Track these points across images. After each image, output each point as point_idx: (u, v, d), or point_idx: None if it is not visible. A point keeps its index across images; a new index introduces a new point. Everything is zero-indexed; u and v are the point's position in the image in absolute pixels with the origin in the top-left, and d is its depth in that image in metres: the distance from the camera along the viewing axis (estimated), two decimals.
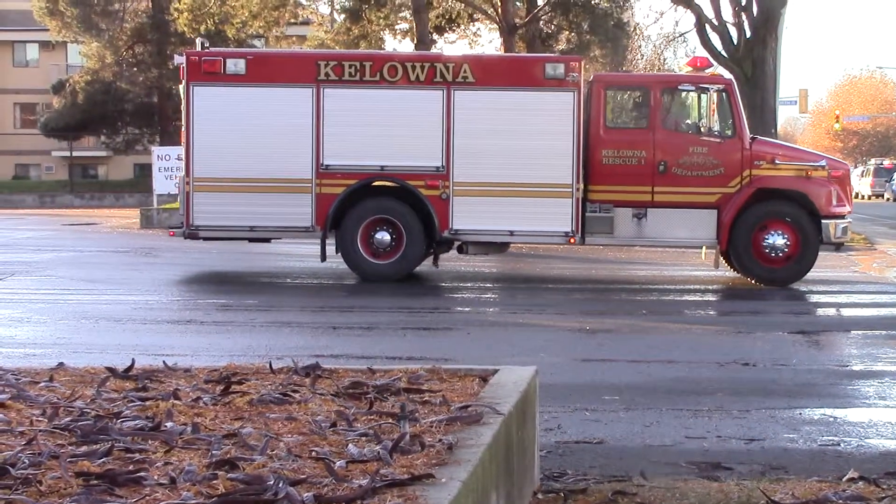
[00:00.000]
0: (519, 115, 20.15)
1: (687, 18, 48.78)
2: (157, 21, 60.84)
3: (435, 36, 45.48)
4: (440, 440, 4.87)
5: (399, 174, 20.34)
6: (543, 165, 20.15)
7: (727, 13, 45.67)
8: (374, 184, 20.53)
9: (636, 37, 53.41)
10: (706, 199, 20.35)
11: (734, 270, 21.64)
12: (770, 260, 20.37)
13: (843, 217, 20.55)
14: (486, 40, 50.47)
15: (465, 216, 20.29)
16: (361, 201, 20.42)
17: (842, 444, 8.55)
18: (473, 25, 48.07)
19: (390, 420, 5.33)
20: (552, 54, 19.11)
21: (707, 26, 45.33)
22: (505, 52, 41.03)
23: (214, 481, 4.21)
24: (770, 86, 40.89)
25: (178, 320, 15.40)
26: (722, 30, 45.28)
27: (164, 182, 35.60)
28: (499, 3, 42.24)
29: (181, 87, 20.91)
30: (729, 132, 20.48)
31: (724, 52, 44.49)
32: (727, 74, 20.93)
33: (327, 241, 20.63)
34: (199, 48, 21.30)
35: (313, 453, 4.66)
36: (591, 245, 21.78)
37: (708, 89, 20.45)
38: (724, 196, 20.29)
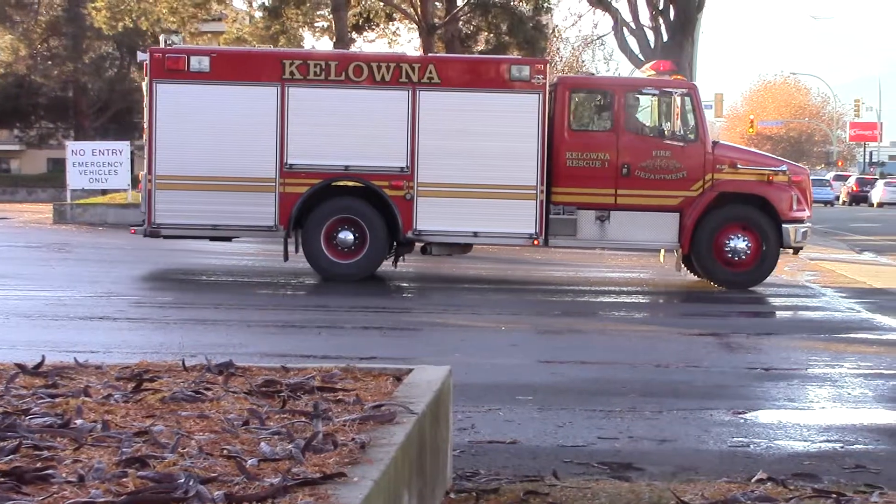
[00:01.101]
0: (484, 117, 20.20)
1: (605, 21, 49.26)
2: (73, 15, 60.26)
3: (354, 34, 45.37)
4: (353, 439, 4.86)
5: (363, 174, 20.30)
6: (508, 167, 20.19)
7: (644, 17, 46.03)
8: (337, 183, 20.43)
9: (555, 39, 53.59)
10: (669, 203, 20.50)
11: (694, 274, 21.83)
12: (731, 263, 20.58)
13: (802, 221, 20.80)
14: (405, 40, 50.45)
15: (430, 217, 20.30)
16: (325, 201, 20.35)
17: (751, 446, 8.64)
18: (392, 25, 48.01)
19: (303, 419, 5.31)
20: (518, 56, 19.10)
21: (625, 29, 45.65)
22: (424, 52, 41.02)
23: (124, 479, 4.17)
24: None
25: (91, 316, 15.23)
26: (639, 33, 45.62)
27: (78, 177, 35.22)
28: (418, 3, 42.23)
29: (144, 85, 20.70)
30: (692, 136, 20.62)
31: (641, 56, 44.83)
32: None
33: (290, 241, 20.52)
34: (162, 45, 21.14)
35: (225, 451, 4.63)
36: (554, 247, 21.89)
37: (671, 93, 20.56)
38: (686, 199, 20.45)
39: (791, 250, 21.19)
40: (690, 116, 20.65)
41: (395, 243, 20.68)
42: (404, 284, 21.20)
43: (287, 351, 12.37)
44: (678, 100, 20.48)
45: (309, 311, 16.75)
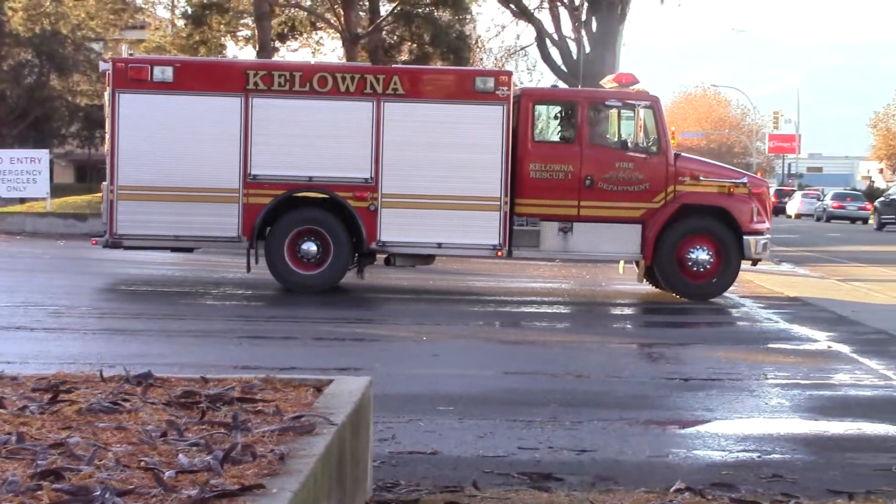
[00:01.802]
0: (448, 128, 20.22)
1: (528, 32, 49.33)
2: None
3: (277, 43, 45.26)
4: (272, 450, 4.84)
5: (327, 185, 20.24)
6: (472, 178, 20.25)
7: (567, 28, 46.38)
8: (301, 194, 20.33)
9: (478, 49, 53.66)
10: (631, 214, 20.60)
11: (654, 286, 21.95)
12: (694, 275, 20.72)
13: (762, 233, 20.99)
14: (328, 49, 50.34)
15: (394, 228, 20.28)
16: (289, 212, 20.27)
17: (670, 456, 8.70)
18: (316, 34, 47.93)
19: (222, 430, 5.28)
20: (482, 68, 19.09)
21: (548, 40, 45.94)
22: (347, 60, 40.98)
23: (38, 492, 4.12)
24: None
25: (7, 326, 15.04)
26: (562, 44, 45.96)
27: None
28: (341, 13, 42.21)
29: (106, 94, 20.45)
30: (654, 148, 20.74)
31: (564, 67, 45.16)
32: (653, 91, 21.09)
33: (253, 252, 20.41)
34: (124, 55, 20.98)
35: (142, 463, 4.59)
36: (517, 258, 21.95)
37: (634, 105, 20.66)
38: (648, 211, 20.58)
39: (750, 262, 21.28)
40: (652, 128, 20.77)
41: (358, 254, 20.65)
42: (328, 297, 21.15)
43: (208, 361, 12.29)
44: (641, 112, 20.60)
45: (228, 320, 16.65)
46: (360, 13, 44.35)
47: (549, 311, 20.23)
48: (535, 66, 51.54)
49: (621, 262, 22.53)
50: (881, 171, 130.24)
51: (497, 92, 20.16)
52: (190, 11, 42.81)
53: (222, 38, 45.10)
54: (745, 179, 21.32)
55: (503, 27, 53.46)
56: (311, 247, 20.21)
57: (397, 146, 20.18)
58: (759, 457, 8.75)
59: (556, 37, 46.14)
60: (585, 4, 45.15)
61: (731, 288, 21.99)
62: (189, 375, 6.84)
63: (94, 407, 5.68)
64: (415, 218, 20.28)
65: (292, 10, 44.58)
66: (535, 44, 47.46)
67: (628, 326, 18.04)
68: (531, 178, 20.54)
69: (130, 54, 21.01)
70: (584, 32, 45.17)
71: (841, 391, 11.94)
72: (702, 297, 20.64)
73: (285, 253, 20.20)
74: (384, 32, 44.58)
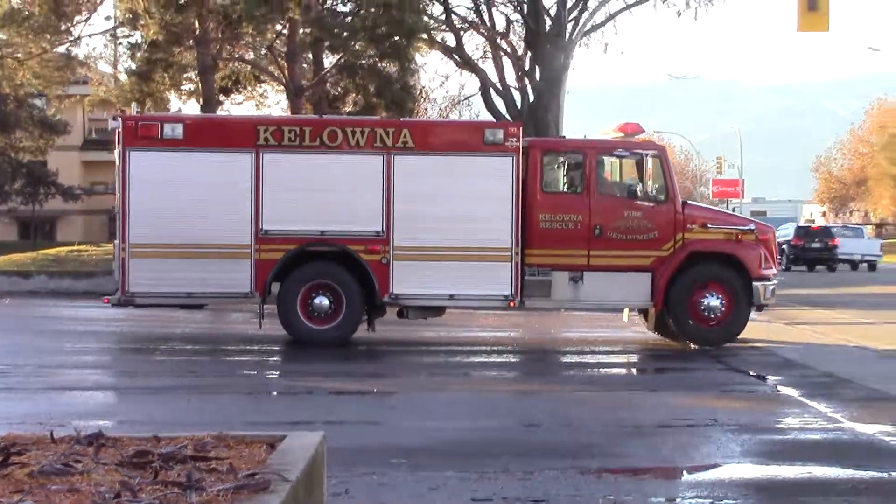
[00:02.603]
0: (458, 180, 20.29)
1: (472, 82, 49.47)
2: None
3: (222, 97, 45.24)
4: None
5: (339, 239, 20.22)
6: (483, 229, 20.26)
7: (511, 78, 46.59)
8: (313, 249, 20.29)
9: (423, 100, 53.85)
10: (641, 262, 20.65)
11: (662, 334, 21.98)
12: (705, 321, 20.73)
13: (769, 279, 21.11)
14: (272, 101, 50.35)
15: (406, 281, 20.24)
16: (301, 266, 20.22)
17: (623, 503, 8.71)
18: (260, 87, 47.96)
19: (176, 489, 5.25)
20: (491, 120, 19.22)
21: (492, 90, 46.15)
22: (292, 113, 41.01)
23: None
24: None
25: None
26: (506, 94, 46.17)
27: None
28: (285, 66, 42.25)
29: (116, 152, 20.36)
30: (662, 196, 20.87)
31: (508, 116, 45.34)
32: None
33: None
34: (133, 112, 20.89)
35: None
36: (530, 308, 22.01)
37: (641, 155, 20.80)
38: (658, 259, 20.63)
39: (756, 308, 21.36)
40: (660, 177, 20.89)
41: (369, 307, 20.60)
42: (276, 347, 21.09)
43: (158, 419, 12.23)
44: (648, 161, 20.73)
45: (178, 376, 16.55)
46: (304, 66, 44.41)
47: (499, 360, 20.24)
48: (478, 116, 51.69)
49: (626, 311, 22.61)
50: (824, 214, 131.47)
51: (506, 143, 20.31)
52: (135, 67, 42.71)
53: (166, 92, 45.01)
54: (752, 226, 21.48)
55: (447, 77, 53.89)
56: (323, 301, 20.12)
57: (408, 199, 20.18)
58: (713, 502, 8.79)
59: (499, 86, 46.37)
60: (529, 54, 45.44)
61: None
62: (140, 434, 6.80)
63: (46, 469, 5.63)
64: (427, 270, 20.25)
65: (236, 64, 44.60)
66: (480, 93, 47.67)
67: (577, 373, 18.08)
68: (541, 229, 20.60)
69: (138, 112, 20.92)
70: (527, 81, 45.44)
71: (791, 435, 12.02)
72: (714, 343, 20.63)
73: (298, 307, 20.12)
74: (328, 84, 44.64)
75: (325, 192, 20.14)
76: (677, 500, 8.94)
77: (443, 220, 20.21)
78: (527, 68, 45.67)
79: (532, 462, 10.18)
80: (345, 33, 40.32)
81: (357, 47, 40.75)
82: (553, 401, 14.50)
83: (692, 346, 20.62)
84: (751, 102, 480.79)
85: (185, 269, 19.98)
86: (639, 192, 20.80)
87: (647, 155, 20.82)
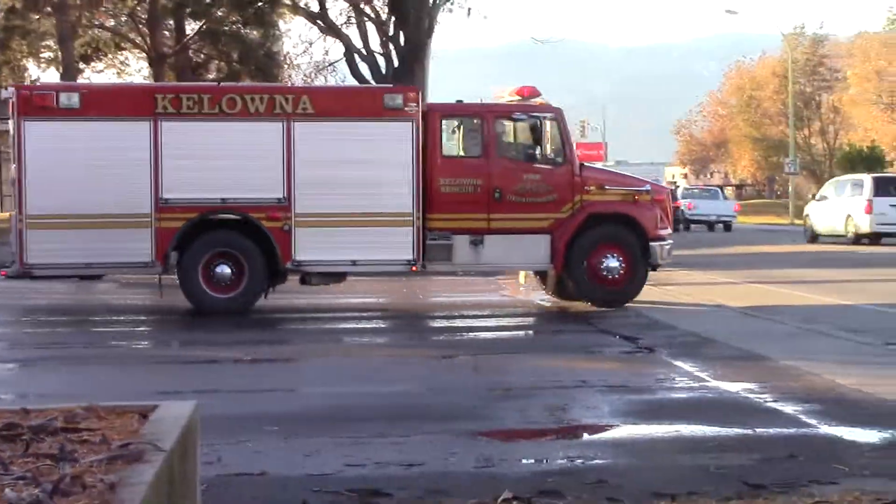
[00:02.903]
0: (359, 146, 20.24)
1: (337, 48, 49.31)
2: None
3: (82, 65, 44.57)
4: (102, 480, 4.78)
5: (240, 207, 20.07)
6: (384, 195, 20.30)
7: (375, 43, 46.53)
8: (214, 217, 20.10)
9: (287, 66, 53.53)
10: (540, 225, 20.81)
11: (560, 297, 22.14)
12: (605, 282, 20.97)
13: (665, 239, 21.39)
14: (134, 69, 49.72)
15: (308, 247, 20.19)
16: (202, 235, 20.02)
17: (496, 466, 8.79)
18: (121, 54, 47.33)
19: (48, 462, 5.19)
20: (390, 85, 19.21)
21: (356, 56, 46.03)
22: (154, 80, 40.54)
23: None
24: None
25: None
26: (370, 59, 46.10)
27: None
28: (147, 33, 41.78)
29: (11, 123, 19.90)
30: (560, 159, 20.98)
31: (373, 81, 45.27)
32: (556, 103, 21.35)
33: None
34: (28, 81, 20.39)
35: None
36: (432, 272, 22.15)
37: (539, 118, 20.88)
38: (556, 221, 20.80)
39: (652, 268, 21.62)
40: (558, 140, 21.04)
41: (275, 274, 20.51)
42: (143, 318, 20.90)
43: (26, 391, 12.06)
44: (546, 124, 20.87)
45: (44, 348, 16.32)
46: (166, 33, 43.94)
47: (370, 325, 20.29)
48: (344, 81, 51.48)
49: (521, 274, 22.81)
50: (685, 175, 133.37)
51: (406, 108, 20.32)
52: None
53: (24, 60, 44.26)
54: (647, 187, 21.72)
55: (311, 43, 53.58)
56: (225, 269, 20.02)
57: (309, 165, 20.10)
58: (583, 462, 8.91)
59: (364, 52, 46.27)
60: (392, 19, 45.39)
61: (547, 296, 22.34)
62: (8, 407, 6.70)
63: None
64: (329, 236, 20.22)
65: (96, 31, 43.95)
66: (344, 59, 47.52)
67: (449, 337, 18.18)
68: (441, 193, 20.68)
69: (34, 81, 20.48)
70: (392, 47, 45.40)
71: (658, 394, 12.20)
72: (614, 304, 20.88)
73: (199, 276, 19.98)
74: (191, 52, 44.25)
75: (226, 160, 19.97)
76: (549, 460, 9.04)
77: (344, 185, 20.15)
78: (391, 33, 45.63)
79: (405, 426, 10.22)
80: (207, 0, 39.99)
81: (219, 14, 40.52)
82: (422, 366, 14.56)
83: (592, 307, 20.90)
84: (616, 65, 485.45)
85: (84, 239, 19.65)
86: (537, 156, 20.94)
87: (544, 118, 20.97)
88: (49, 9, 39.15)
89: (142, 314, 21.38)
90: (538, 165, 20.96)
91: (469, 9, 48.48)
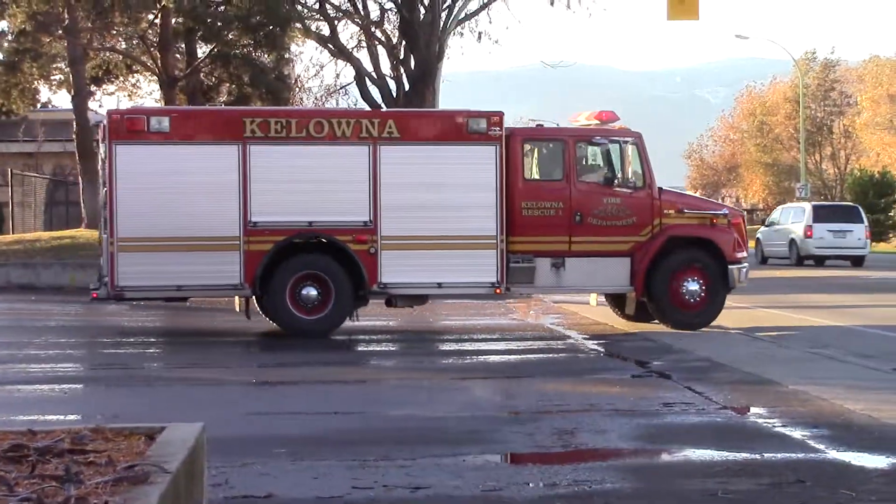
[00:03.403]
0: (443, 169, 20.49)
1: (348, 71, 49.32)
2: None
3: (93, 87, 44.67)
4: (107, 501, 4.78)
5: (327, 229, 20.23)
6: (468, 218, 20.46)
7: (386, 66, 46.55)
8: (301, 240, 20.23)
9: (298, 89, 53.62)
10: (620, 248, 21.10)
11: (635, 319, 22.36)
12: (685, 305, 21.20)
13: (741, 262, 21.53)
14: (145, 92, 49.85)
15: (394, 270, 20.35)
16: (289, 257, 20.18)
17: (504, 490, 8.77)
18: (133, 77, 47.39)
19: (54, 483, 5.19)
20: (474, 109, 19.72)
21: (367, 79, 46.07)
22: (165, 103, 40.64)
23: None
24: None
25: None
26: (381, 83, 46.12)
27: None
28: (158, 55, 41.85)
29: (101, 147, 20.12)
30: (639, 183, 21.24)
31: (383, 105, 45.32)
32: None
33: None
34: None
35: None
36: (516, 294, 22.61)
37: (619, 142, 21.16)
38: (636, 244, 21.09)
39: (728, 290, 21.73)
40: (637, 164, 21.26)
41: (360, 297, 20.60)
42: (152, 339, 20.90)
43: (32, 413, 12.05)
44: (627, 148, 21.09)
45: (56, 367, 16.32)
46: (177, 56, 44.02)
47: (378, 349, 20.28)
48: (356, 104, 51.51)
49: (593, 296, 23.03)
50: None
51: (489, 132, 20.55)
52: (2, 57, 41.99)
53: (35, 83, 44.33)
54: (725, 211, 22.13)
55: (322, 66, 53.64)
56: (311, 291, 20.17)
57: (394, 188, 20.32)
58: (591, 486, 8.88)
59: (375, 75, 46.31)
60: (403, 43, 45.45)
61: (556, 320, 22.35)
62: (15, 428, 6.71)
63: None
64: (414, 259, 20.42)
65: (107, 54, 44.04)
66: (355, 82, 47.57)
67: (459, 362, 18.14)
68: (523, 216, 20.88)
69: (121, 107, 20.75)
70: (402, 70, 45.45)
71: (667, 419, 12.17)
72: (693, 327, 21.05)
73: (287, 299, 20.13)
74: (202, 74, 44.32)
75: (312, 183, 20.16)
76: (557, 485, 9.01)
77: (428, 208, 20.39)
78: (402, 57, 45.66)
79: (413, 449, 10.21)
80: (218, 23, 40.06)
81: (230, 37, 40.53)
82: (432, 389, 14.53)
83: (672, 329, 21.09)
84: (624, 90, 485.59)
85: (173, 262, 19.81)
86: (617, 179, 21.13)
87: (624, 142, 21.19)
88: (60, 31, 39.27)
89: (153, 335, 21.36)
90: (618, 189, 21.16)
91: (480, 33, 48.50)
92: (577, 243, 20.96)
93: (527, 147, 21.37)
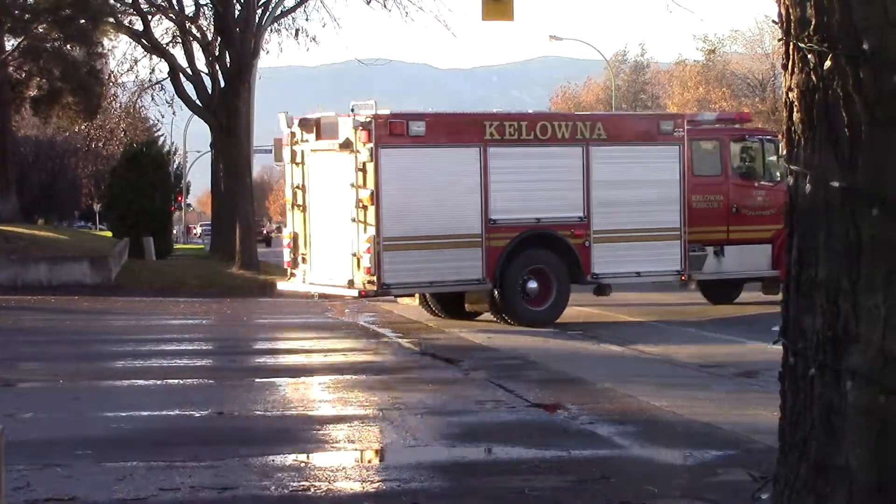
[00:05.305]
0: (640, 167, 22.26)
1: (163, 66, 48.50)
2: None
3: None
4: None
5: (552, 225, 21.69)
6: (659, 211, 22.35)
7: (201, 63, 46.08)
8: (529, 235, 21.49)
9: (111, 84, 52.65)
10: (765, 236, 23.79)
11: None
12: None
13: None
14: None
15: (603, 261, 21.95)
16: (519, 253, 21.39)
17: (312, 489, 8.77)
18: None
19: None
20: (664, 112, 21.92)
21: (182, 75, 45.55)
22: None
23: None
24: (244, 135, 41.48)
25: None
26: (196, 79, 45.64)
27: None
28: None
29: (366, 149, 20.16)
30: (779, 177, 23.36)
31: (199, 102, 44.92)
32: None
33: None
34: (375, 110, 20.21)
35: None
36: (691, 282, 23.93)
37: (762, 140, 24.14)
38: (777, 232, 22.85)
39: None
40: (775, 159, 23.77)
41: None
42: None
43: None
44: (768, 145, 23.79)
45: None
46: None
47: (190, 348, 20.05)
48: (172, 100, 50.80)
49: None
50: None
51: (674, 133, 22.47)
52: None
53: None
54: None
55: (137, 61, 52.63)
56: (534, 284, 21.51)
57: (602, 186, 21.89)
58: (399, 486, 8.94)
59: (190, 71, 45.79)
60: (218, 39, 45.02)
61: (371, 318, 22.39)
62: None
63: None
64: (619, 251, 22.10)
65: None
66: (169, 78, 46.96)
67: (270, 361, 18.05)
68: (693, 209, 22.96)
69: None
70: (218, 67, 45.03)
71: (476, 417, 12.28)
72: None
73: (518, 292, 21.38)
74: (11, 68, 43.33)
75: (538, 182, 21.47)
76: (366, 483, 9.04)
77: (629, 203, 22.06)
78: (217, 54, 45.24)
79: (221, 450, 10.15)
80: (26, 15, 39.25)
81: (40, 30, 39.73)
82: (241, 388, 14.46)
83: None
84: (441, 88, 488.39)
85: (428, 259, 20.76)
86: (760, 173, 24.01)
87: (766, 140, 23.88)
88: None
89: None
90: (763, 182, 23.95)
91: (297, 30, 48.35)
92: (733, 232, 23.67)
93: (693, 146, 23.17)
